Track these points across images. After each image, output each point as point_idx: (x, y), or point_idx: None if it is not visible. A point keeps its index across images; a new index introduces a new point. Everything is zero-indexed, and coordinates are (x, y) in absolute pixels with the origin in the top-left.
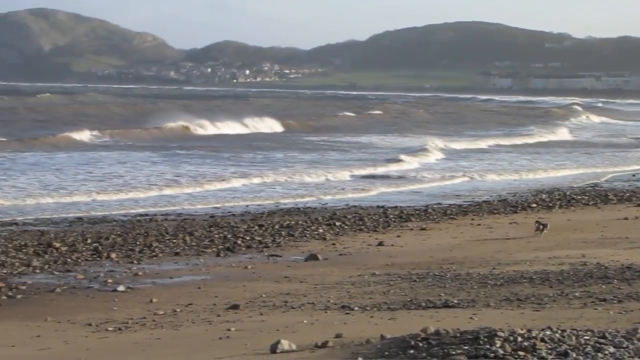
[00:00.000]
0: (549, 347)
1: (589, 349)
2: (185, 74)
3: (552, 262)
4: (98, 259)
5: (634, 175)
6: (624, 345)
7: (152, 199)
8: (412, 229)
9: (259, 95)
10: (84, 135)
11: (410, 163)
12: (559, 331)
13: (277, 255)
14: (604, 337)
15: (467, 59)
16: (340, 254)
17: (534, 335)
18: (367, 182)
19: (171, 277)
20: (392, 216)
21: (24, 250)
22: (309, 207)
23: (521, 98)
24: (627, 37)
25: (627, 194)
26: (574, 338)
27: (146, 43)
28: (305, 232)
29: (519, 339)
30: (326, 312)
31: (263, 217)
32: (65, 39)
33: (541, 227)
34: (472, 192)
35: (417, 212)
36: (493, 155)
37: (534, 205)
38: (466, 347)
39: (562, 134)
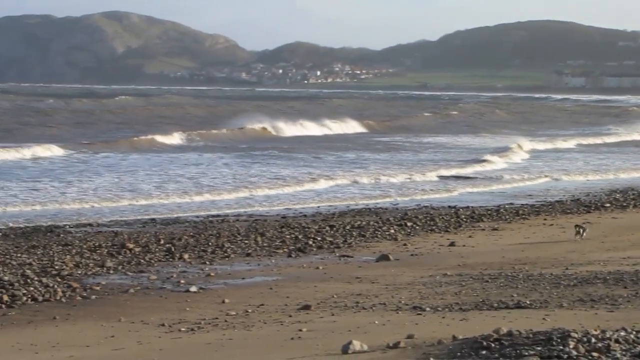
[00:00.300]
0: (624, 348)
1: None
2: (256, 75)
3: (627, 263)
4: (171, 259)
5: None
6: None
7: (230, 200)
8: (483, 229)
9: (332, 95)
10: (172, 139)
11: (496, 163)
12: (634, 332)
13: (348, 256)
14: None
15: (539, 58)
16: (412, 255)
17: (608, 336)
18: (454, 182)
19: (243, 278)
20: (463, 216)
21: (98, 252)
22: (380, 208)
23: (595, 97)
24: None
25: None
26: None
27: (218, 45)
28: (376, 232)
29: (593, 340)
30: (398, 312)
31: (334, 218)
32: (138, 41)
33: (581, 230)
34: (545, 192)
35: (489, 212)
36: (574, 155)
37: (607, 205)
38: (539, 348)
39: None
